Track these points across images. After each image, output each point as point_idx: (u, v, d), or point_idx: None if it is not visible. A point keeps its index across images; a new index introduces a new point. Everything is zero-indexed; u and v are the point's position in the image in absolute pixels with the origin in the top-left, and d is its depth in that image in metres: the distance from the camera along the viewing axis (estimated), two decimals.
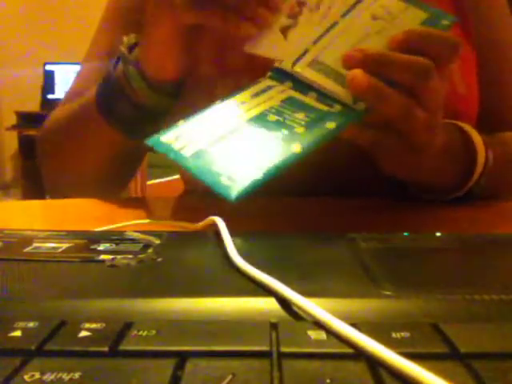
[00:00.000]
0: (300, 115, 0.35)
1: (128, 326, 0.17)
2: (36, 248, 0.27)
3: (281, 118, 0.35)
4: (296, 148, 0.32)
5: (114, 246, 0.27)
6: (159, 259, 0.25)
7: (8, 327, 0.17)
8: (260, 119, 0.35)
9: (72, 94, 0.60)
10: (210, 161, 0.32)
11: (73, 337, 0.17)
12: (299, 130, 0.34)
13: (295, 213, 0.44)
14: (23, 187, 3.33)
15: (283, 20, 0.42)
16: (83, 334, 0.17)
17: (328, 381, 0.14)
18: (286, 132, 0.34)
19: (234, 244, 0.25)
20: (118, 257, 0.25)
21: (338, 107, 0.35)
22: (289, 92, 0.38)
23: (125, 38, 0.48)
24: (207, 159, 0.32)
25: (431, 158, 0.40)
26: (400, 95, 0.34)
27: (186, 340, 0.16)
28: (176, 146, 0.34)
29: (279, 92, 0.38)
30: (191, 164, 0.32)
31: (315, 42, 0.39)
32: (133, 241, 0.28)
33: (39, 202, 0.52)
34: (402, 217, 0.43)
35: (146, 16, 0.45)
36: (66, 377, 0.14)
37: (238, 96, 0.38)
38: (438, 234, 0.30)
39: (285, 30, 0.42)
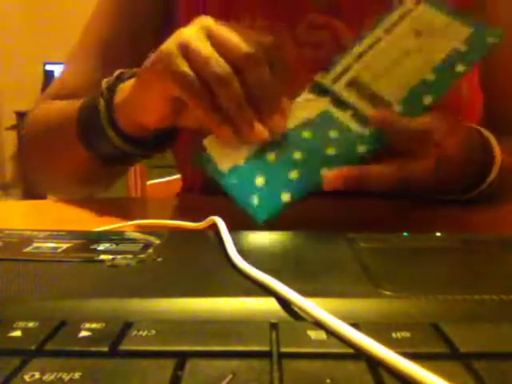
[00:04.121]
0: (333, 133, 0.37)
1: (128, 325, 0.17)
2: (36, 248, 0.27)
3: (315, 135, 0.37)
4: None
5: (114, 245, 0.27)
6: (159, 259, 0.25)
7: (8, 327, 0.17)
8: (294, 135, 0.37)
9: (56, 90, 0.59)
10: (244, 178, 0.36)
11: (73, 337, 0.17)
12: (330, 151, 0.35)
13: (295, 213, 0.44)
14: (23, 187, 3.34)
15: None
16: (83, 333, 0.17)
17: (328, 381, 0.14)
18: (318, 155, 0.35)
19: (234, 244, 0.25)
20: (118, 257, 0.25)
21: (370, 129, 0.36)
22: (327, 106, 0.39)
23: (104, 81, 0.45)
24: (242, 176, 0.36)
25: (446, 162, 0.39)
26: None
27: (185, 340, 0.16)
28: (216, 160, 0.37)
29: (318, 105, 0.39)
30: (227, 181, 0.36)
31: (358, 58, 0.40)
32: (133, 241, 0.28)
33: (39, 202, 0.52)
34: (402, 217, 0.43)
35: (139, 74, 0.41)
36: (65, 377, 0.14)
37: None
38: (438, 234, 0.30)
39: None
